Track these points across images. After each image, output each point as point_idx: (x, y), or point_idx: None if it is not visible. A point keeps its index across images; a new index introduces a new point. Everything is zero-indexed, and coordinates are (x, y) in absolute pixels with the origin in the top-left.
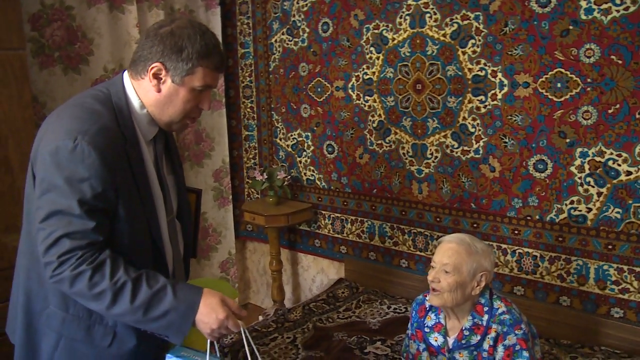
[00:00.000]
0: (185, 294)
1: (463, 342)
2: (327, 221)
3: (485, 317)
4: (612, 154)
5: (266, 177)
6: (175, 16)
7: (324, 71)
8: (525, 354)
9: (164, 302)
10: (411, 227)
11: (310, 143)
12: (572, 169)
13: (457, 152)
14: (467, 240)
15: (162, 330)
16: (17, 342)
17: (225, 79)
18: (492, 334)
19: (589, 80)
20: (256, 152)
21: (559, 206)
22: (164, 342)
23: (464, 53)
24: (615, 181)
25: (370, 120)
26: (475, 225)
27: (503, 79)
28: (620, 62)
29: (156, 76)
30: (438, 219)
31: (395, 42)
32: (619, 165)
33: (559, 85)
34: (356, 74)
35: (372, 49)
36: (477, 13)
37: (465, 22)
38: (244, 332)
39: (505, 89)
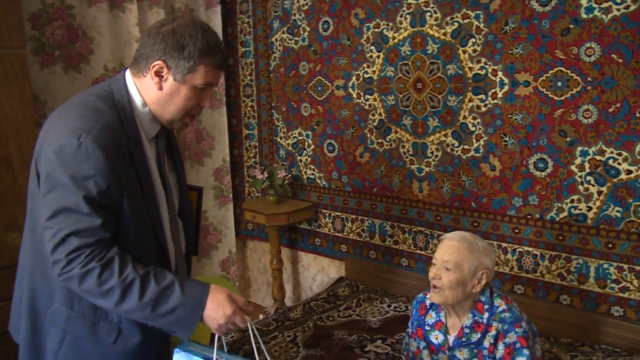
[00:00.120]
0: (192, 290)
1: (463, 340)
2: (327, 220)
3: (486, 315)
4: (612, 152)
5: (267, 175)
6: (177, 15)
7: (325, 70)
8: (526, 351)
9: (172, 298)
10: (411, 226)
11: (310, 142)
12: (573, 167)
13: (457, 151)
14: (469, 237)
15: (170, 326)
16: (22, 340)
17: (226, 78)
18: (493, 332)
19: (589, 79)
20: (257, 150)
21: (559, 205)
22: (168, 337)
23: (464, 52)
24: (615, 180)
25: (370, 119)
26: (475, 224)
27: (503, 77)
28: (620, 60)
29: (158, 74)
30: (438, 218)
31: (396, 40)
32: (619, 164)
33: (559, 84)
34: (357, 72)
35: (372, 47)
36: (477, 12)
37: (466, 20)
38: (251, 327)
39: (506, 87)
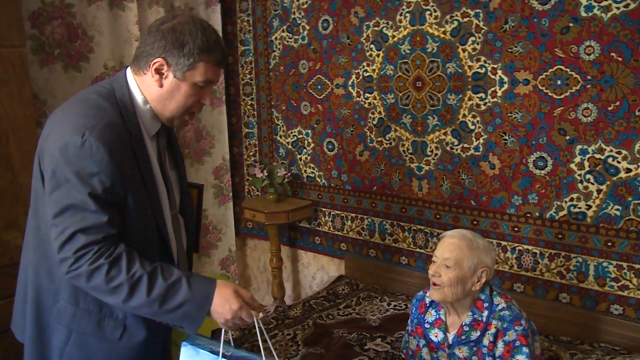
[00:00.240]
0: (199, 286)
1: (463, 337)
2: (327, 218)
3: (485, 313)
4: (611, 151)
5: (266, 174)
6: (177, 12)
7: (324, 68)
8: (525, 349)
9: (179, 294)
10: (411, 224)
11: (310, 140)
12: (572, 166)
13: (457, 150)
14: (469, 235)
15: (177, 321)
16: (27, 338)
17: (226, 77)
18: (492, 330)
19: (588, 77)
20: (256, 149)
21: (558, 203)
22: (170, 332)
23: (464, 50)
24: (614, 178)
25: (370, 117)
26: (475, 222)
27: (503, 76)
28: (620, 59)
29: (158, 71)
30: (438, 216)
31: (396, 39)
32: (619, 162)
33: (558, 82)
34: (356, 71)
35: (372, 46)
36: (477, 10)
37: (466, 19)
38: (257, 322)
39: (505, 86)
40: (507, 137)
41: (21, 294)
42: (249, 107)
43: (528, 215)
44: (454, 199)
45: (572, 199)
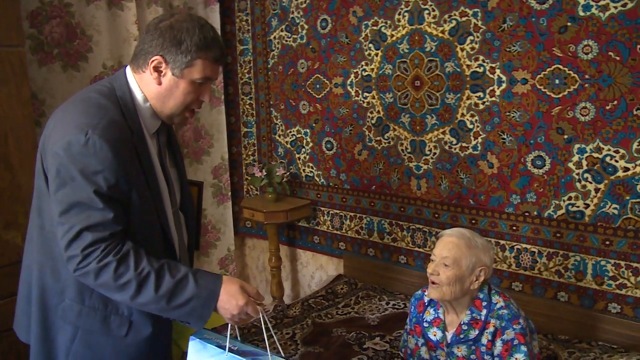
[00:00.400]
0: (206, 282)
1: (461, 336)
2: (326, 217)
3: (484, 311)
4: (609, 150)
5: (265, 173)
6: (175, 11)
7: (323, 68)
8: (523, 348)
9: (186, 290)
10: (410, 223)
11: (309, 139)
12: (570, 165)
13: (455, 149)
14: (468, 234)
15: (184, 317)
16: (33, 338)
17: (224, 76)
18: (491, 329)
19: (586, 76)
20: (255, 148)
21: (556, 202)
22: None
23: (462, 50)
24: (612, 177)
25: (369, 116)
26: (473, 221)
27: (501, 75)
28: (618, 58)
29: (157, 69)
30: (436, 215)
31: (394, 38)
32: (617, 161)
33: (557, 81)
34: (355, 70)
35: (370, 45)
36: (475, 10)
37: (464, 18)
38: (263, 317)
39: (504, 85)
40: (505, 136)
41: (24, 294)
42: (247, 106)
43: (526, 214)
44: (452, 198)
45: (570, 198)
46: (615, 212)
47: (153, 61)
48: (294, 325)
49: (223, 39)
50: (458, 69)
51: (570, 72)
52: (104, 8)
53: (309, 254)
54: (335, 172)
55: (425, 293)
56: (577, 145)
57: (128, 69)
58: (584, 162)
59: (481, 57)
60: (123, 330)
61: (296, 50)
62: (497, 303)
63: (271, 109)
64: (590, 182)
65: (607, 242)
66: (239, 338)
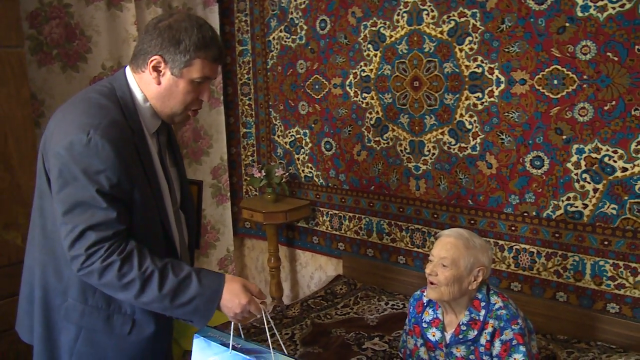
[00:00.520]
0: (209, 281)
1: (460, 337)
2: (325, 218)
3: (483, 312)
4: (607, 150)
5: (264, 174)
6: (174, 11)
7: (322, 68)
8: (522, 348)
9: (189, 289)
10: (409, 224)
11: (308, 140)
12: (569, 165)
13: (454, 149)
14: (466, 235)
15: (187, 315)
16: (36, 338)
17: (223, 77)
18: (489, 329)
19: (585, 77)
20: (254, 149)
21: (555, 202)
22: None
23: (461, 50)
24: (611, 177)
25: (367, 117)
26: (472, 221)
27: (500, 76)
28: (616, 59)
29: (156, 69)
30: (435, 216)
31: (393, 39)
32: (615, 161)
33: (555, 82)
34: (354, 71)
35: (369, 46)
36: (474, 10)
37: (463, 19)
38: (265, 315)
39: (502, 85)
40: (504, 137)
41: (26, 294)
42: (246, 107)
43: (525, 214)
44: (451, 198)
45: (568, 198)
46: (614, 212)
47: (152, 61)
48: (293, 325)
49: (222, 40)
50: (457, 70)
51: (569, 72)
52: (103, 9)
53: (308, 255)
54: (335, 172)
55: (424, 293)
56: (575, 146)
57: (128, 69)
58: (583, 163)
59: (480, 58)
60: (126, 329)
61: (295, 50)
62: (495, 303)
63: (270, 109)
64: (589, 183)
65: (606, 242)
66: (242, 336)
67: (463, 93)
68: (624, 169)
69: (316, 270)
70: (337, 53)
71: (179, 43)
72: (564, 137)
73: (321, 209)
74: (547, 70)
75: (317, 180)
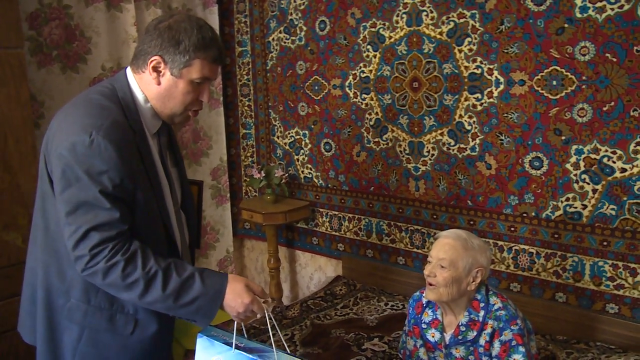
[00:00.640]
0: (212, 281)
1: (460, 337)
2: (324, 219)
3: (482, 313)
4: (606, 151)
5: (264, 175)
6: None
7: (321, 69)
8: (521, 349)
9: (193, 289)
10: (408, 225)
11: (307, 141)
12: (568, 166)
13: (453, 150)
14: (464, 235)
15: (190, 315)
16: (39, 339)
17: (223, 78)
18: (488, 330)
19: (584, 78)
20: (254, 150)
21: (554, 203)
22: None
23: (460, 51)
24: (610, 178)
25: (367, 118)
26: (471, 222)
27: (499, 76)
28: (614, 60)
29: (155, 69)
30: (435, 217)
31: (392, 40)
32: (614, 162)
33: (554, 83)
34: (353, 72)
35: (369, 47)
36: (473, 11)
37: (462, 20)
38: (268, 314)
39: (501, 86)
40: (503, 138)
41: (28, 295)
42: (246, 108)
43: (524, 215)
44: (450, 199)
45: (567, 199)
46: (613, 212)
47: (152, 61)
48: (292, 326)
49: (222, 41)
50: (456, 71)
51: (568, 73)
52: (102, 10)
53: (307, 255)
54: (334, 173)
55: (424, 294)
56: (574, 147)
57: (129, 70)
58: (582, 163)
59: (479, 59)
60: (129, 329)
61: (295, 51)
62: (494, 304)
63: (270, 110)
64: (588, 183)
65: (605, 243)
66: (245, 335)
67: (462, 94)
68: (623, 170)
69: (316, 271)
70: (337, 54)
71: (179, 43)
72: (563, 137)
73: (321, 209)
74: (546, 71)
75: (316, 181)
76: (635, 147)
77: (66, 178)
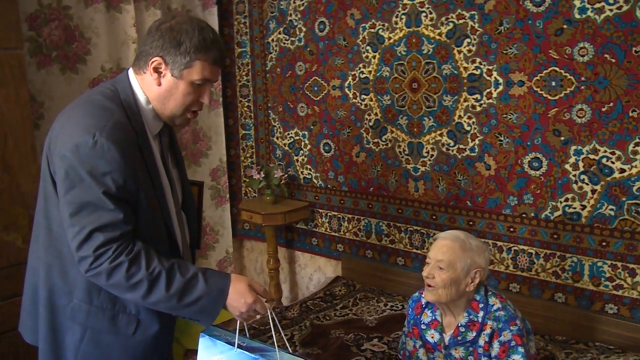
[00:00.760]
0: (215, 281)
1: (459, 338)
2: (324, 219)
3: (481, 313)
4: (605, 151)
5: (263, 175)
6: (176, 13)
7: (321, 70)
8: (521, 349)
9: (196, 289)
10: (407, 225)
11: (307, 142)
12: (567, 166)
13: (452, 151)
14: (462, 237)
15: (194, 315)
16: (41, 339)
17: (223, 79)
18: (488, 330)
19: (582, 78)
20: (253, 151)
21: (553, 204)
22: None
23: (459, 52)
24: (609, 179)
25: (366, 118)
26: (471, 223)
27: (498, 77)
28: (613, 60)
29: (156, 70)
30: (434, 217)
31: (392, 41)
32: (613, 162)
33: (553, 83)
34: (352, 73)
35: (368, 48)
36: (472, 12)
37: (461, 21)
38: (271, 313)
39: (501, 87)
40: (502, 138)
41: (29, 296)
42: (245, 108)
43: (523, 215)
44: (450, 199)
45: (566, 200)
46: (612, 213)
47: (153, 62)
48: (292, 327)
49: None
50: (455, 72)
51: (567, 74)
52: (102, 11)
53: (307, 256)
54: (333, 174)
55: (423, 295)
56: (573, 147)
57: (130, 71)
58: (581, 164)
59: (478, 60)
60: (131, 329)
61: (294, 52)
62: (493, 305)
63: (269, 111)
64: (587, 184)
65: (604, 243)
66: (247, 334)
67: (461, 95)
68: (622, 170)
69: (315, 272)
70: (336, 55)
71: (180, 45)
72: (562, 138)
73: (320, 210)
74: (545, 72)
75: (316, 181)
76: (634, 147)
77: (70, 179)
